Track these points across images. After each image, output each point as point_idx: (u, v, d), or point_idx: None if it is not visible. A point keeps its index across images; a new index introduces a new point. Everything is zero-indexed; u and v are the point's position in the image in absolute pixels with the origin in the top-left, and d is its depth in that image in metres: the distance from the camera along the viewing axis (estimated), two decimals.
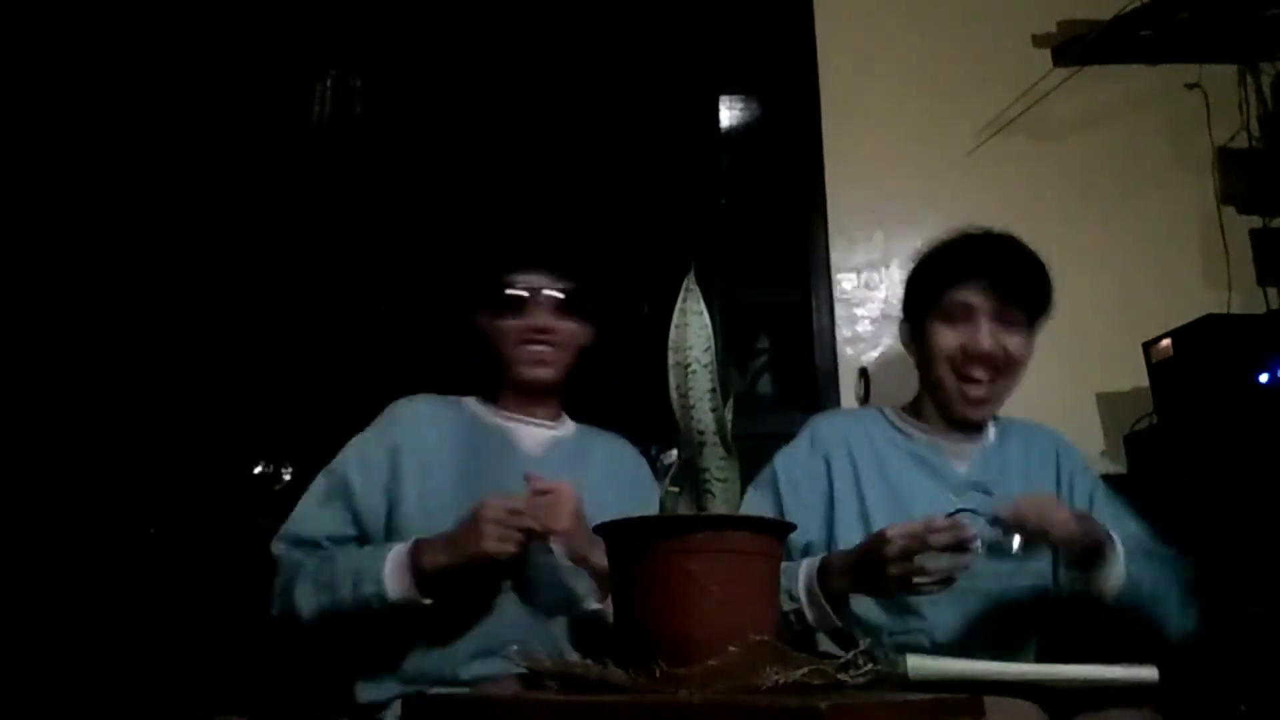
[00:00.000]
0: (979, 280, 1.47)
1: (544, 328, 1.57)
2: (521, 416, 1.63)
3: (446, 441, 1.57)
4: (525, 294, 1.58)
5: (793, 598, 1.36)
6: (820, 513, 1.52)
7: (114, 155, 2.34)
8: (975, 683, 1.09)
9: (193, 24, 2.41)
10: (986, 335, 1.45)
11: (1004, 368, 1.46)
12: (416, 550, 1.37)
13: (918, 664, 1.06)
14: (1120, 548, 1.29)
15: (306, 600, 1.41)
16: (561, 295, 1.59)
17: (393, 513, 1.50)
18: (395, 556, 1.37)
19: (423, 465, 1.53)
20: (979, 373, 1.46)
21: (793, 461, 1.57)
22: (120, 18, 2.38)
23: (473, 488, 1.44)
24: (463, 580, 1.37)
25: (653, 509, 1.38)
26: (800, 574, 1.37)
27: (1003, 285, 1.46)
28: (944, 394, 1.51)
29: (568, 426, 1.69)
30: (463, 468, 1.54)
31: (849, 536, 1.46)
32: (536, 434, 1.63)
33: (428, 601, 1.37)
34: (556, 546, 1.41)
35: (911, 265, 1.60)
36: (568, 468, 1.56)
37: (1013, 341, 1.46)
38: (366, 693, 1.47)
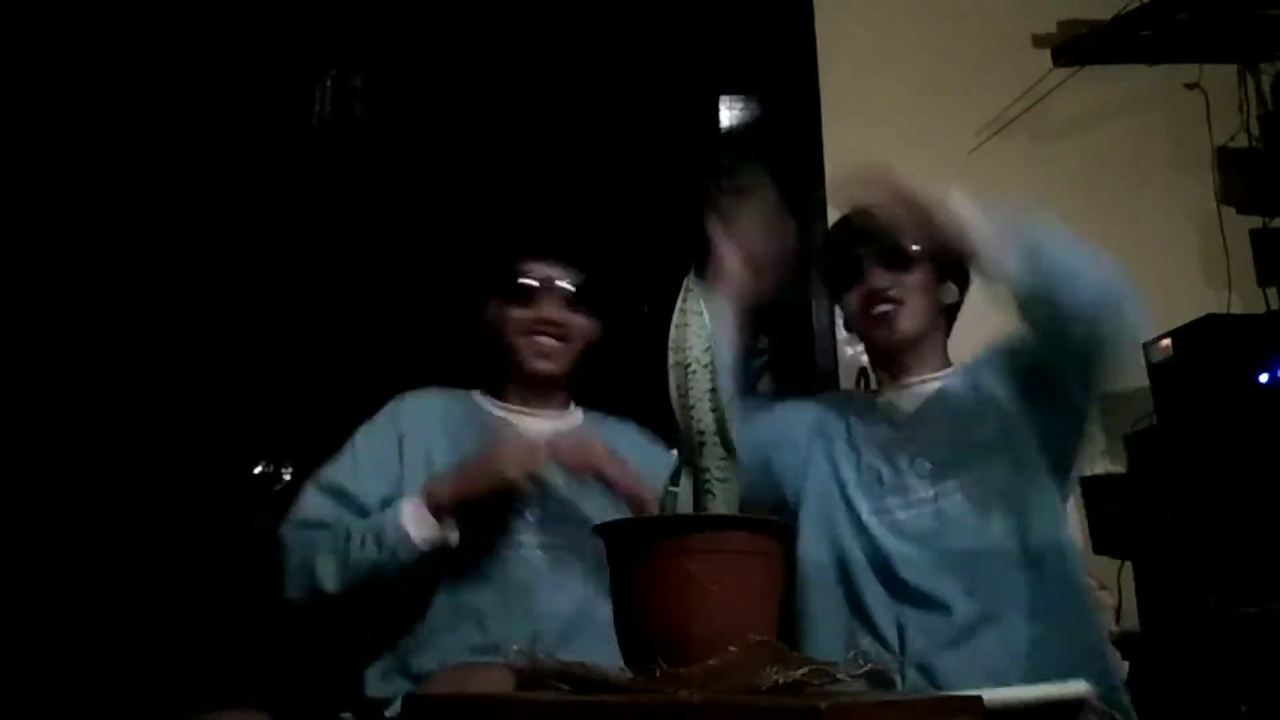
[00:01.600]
0: (864, 239, 1.54)
1: (553, 320, 1.58)
2: (526, 409, 1.64)
3: (451, 433, 1.58)
4: (536, 284, 1.59)
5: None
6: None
7: (114, 155, 2.34)
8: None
9: (193, 24, 2.41)
10: (878, 277, 1.53)
11: (905, 297, 1.53)
12: (428, 494, 1.40)
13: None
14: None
15: (328, 572, 1.41)
16: (572, 288, 1.60)
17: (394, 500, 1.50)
18: (409, 504, 1.40)
19: (426, 456, 1.55)
20: (881, 307, 1.53)
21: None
22: (120, 18, 2.38)
23: None
24: (481, 518, 1.41)
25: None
26: None
27: (872, 235, 1.53)
28: (863, 334, 1.59)
29: (574, 418, 1.69)
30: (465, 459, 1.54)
31: (822, 490, 1.52)
32: (541, 426, 1.63)
33: (454, 539, 1.40)
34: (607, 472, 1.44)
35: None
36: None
37: (909, 279, 1.53)
38: (374, 686, 1.47)
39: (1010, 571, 1.39)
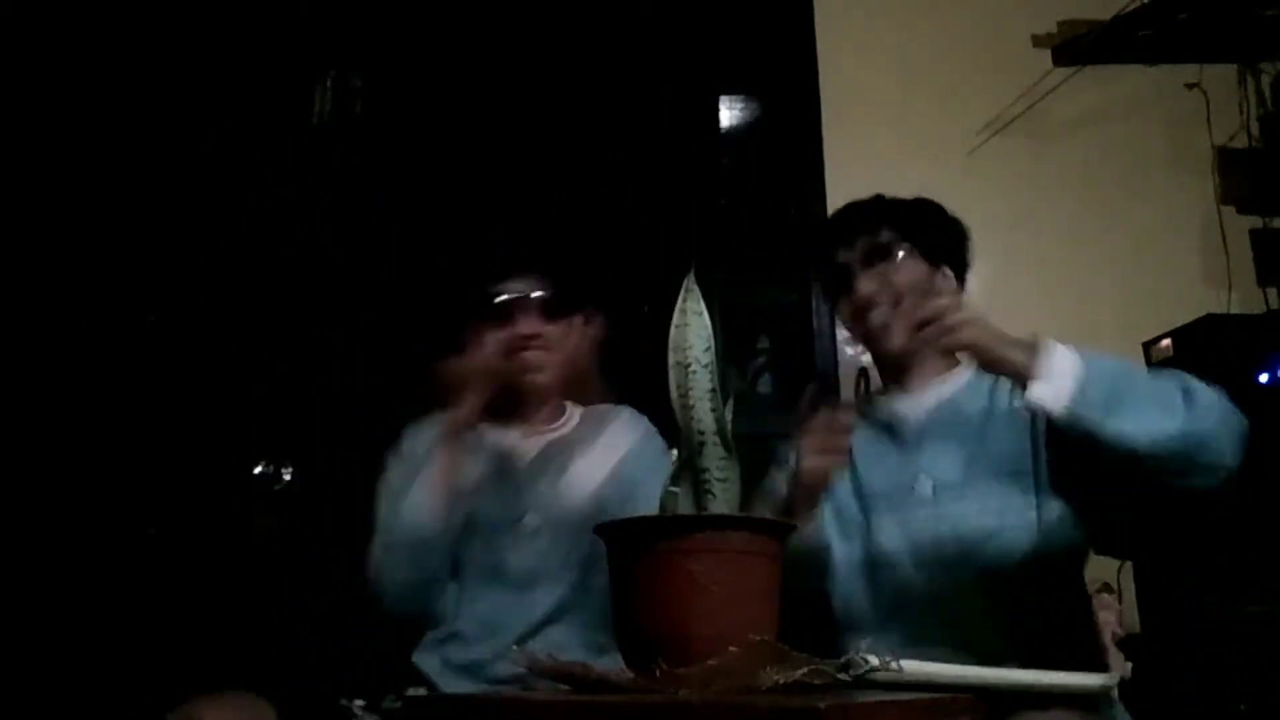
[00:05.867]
0: (844, 241, 1.49)
1: (530, 334, 1.55)
2: (517, 425, 1.62)
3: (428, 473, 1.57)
4: (508, 301, 1.56)
5: None
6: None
7: (114, 155, 2.34)
8: (927, 685, 1.04)
9: (193, 24, 2.41)
10: (864, 282, 1.46)
11: (900, 298, 1.43)
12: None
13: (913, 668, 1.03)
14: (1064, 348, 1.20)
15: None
16: (545, 298, 1.56)
17: None
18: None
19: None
20: (873, 317, 1.46)
21: None
22: (120, 18, 2.38)
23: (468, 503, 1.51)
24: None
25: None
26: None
27: (868, 235, 1.48)
28: (867, 343, 1.53)
29: (569, 422, 1.68)
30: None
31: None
32: (529, 442, 1.62)
33: None
34: None
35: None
36: (557, 468, 1.57)
37: (901, 276, 1.45)
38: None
39: (1000, 610, 1.33)
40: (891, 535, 1.41)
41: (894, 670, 0.91)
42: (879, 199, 1.56)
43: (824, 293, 1.67)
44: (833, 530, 1.47)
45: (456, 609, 1.51)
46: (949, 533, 1.36)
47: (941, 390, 1.49)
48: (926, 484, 1.41)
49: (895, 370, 1.53)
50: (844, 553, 1.45)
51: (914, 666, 1.00)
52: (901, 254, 1.47)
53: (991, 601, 1.34)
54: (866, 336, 1.50)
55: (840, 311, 1.55)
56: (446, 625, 1.50)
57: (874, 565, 1.42)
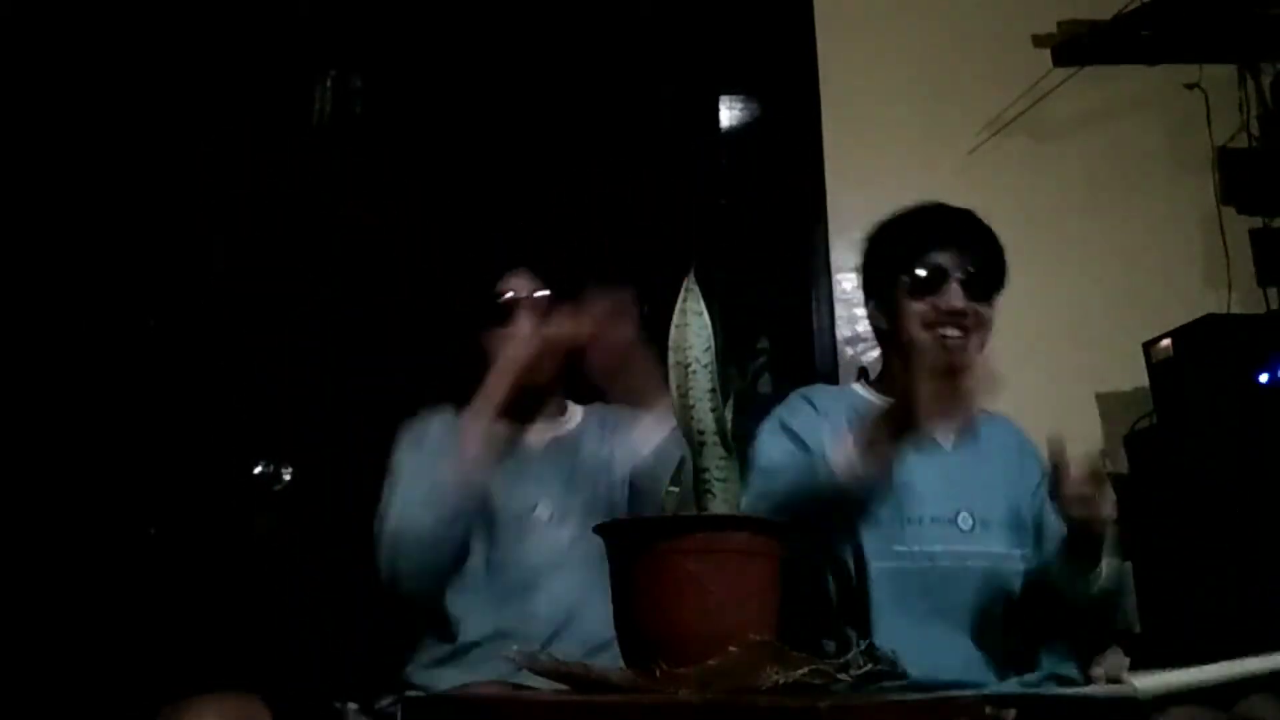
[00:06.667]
0: (946, 247, 1.48)
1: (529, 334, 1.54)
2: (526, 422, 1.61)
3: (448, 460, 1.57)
4: (512, 300, 1.57)
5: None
6: None
7: (114, 155, 2.34)
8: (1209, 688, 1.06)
9: (193, 23, 2.41)
10: (956, 295, 1.46)
11: (974, 327, 1.47)
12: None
13: (1148, 682, 1.01)
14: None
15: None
16: (546, 299, 1.57)
17: None
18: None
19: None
20: (952, 330, 1.46)
21: (800, 413, 1.54)
22: (120, 17, 2.38)
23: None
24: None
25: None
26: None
27: (968, 251, 1.48)
28: (921, 352, 1.48)
29: (572, 420, 1.68)
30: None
31: None
32: (533, 437, 1.62)
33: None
34: None
35: (870, 238, 1.62)
36: (563, 464, 1.58)
37: (979, 306, 1.48)
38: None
39: (998, 623, 1.42)
40: (924, 556, 1.43)
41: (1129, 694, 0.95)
42: (972, 215, 1.55)
43: (883, 264, 1.58)
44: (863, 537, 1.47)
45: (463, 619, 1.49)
46: (976, 564, 1.43)
47: (975, 420, 1.49)
48: (968, 519, 1.45)
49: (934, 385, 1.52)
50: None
51: (1188, 675, 1.02)
52: (997, 293, 1.50)
53: (991, 615, 1.43)
54: (925, 343, 1.47)
55: (907, 305, 1.49)
56: (450, 642, 1.49)
57: (891, 578, 1.43)
